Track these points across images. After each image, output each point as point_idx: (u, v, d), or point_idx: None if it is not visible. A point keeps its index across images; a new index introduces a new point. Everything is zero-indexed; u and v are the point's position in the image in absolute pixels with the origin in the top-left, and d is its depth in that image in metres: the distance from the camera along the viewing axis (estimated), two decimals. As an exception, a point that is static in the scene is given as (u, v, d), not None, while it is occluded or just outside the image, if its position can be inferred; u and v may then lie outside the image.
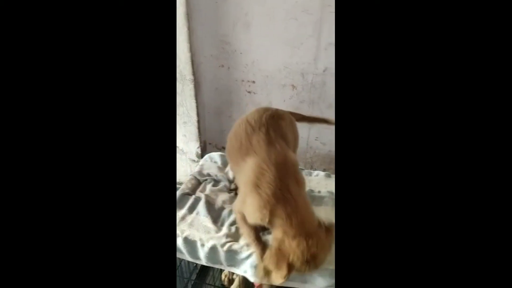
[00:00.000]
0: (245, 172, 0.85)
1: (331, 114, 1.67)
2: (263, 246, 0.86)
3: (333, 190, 1.19)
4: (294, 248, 0.73)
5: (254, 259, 0.91)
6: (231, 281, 1.33)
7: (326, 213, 1.02)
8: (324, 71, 1.58)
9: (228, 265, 0.95)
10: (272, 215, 0.79)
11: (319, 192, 1.16)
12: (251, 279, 0.93)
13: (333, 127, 1.69)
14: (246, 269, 0.92)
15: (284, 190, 0.77)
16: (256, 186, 0.79)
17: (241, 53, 1.67)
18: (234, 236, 0.98)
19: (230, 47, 1.67)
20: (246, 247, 0.95)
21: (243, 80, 1.72)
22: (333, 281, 0.83)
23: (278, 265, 0.74)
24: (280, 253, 0.74)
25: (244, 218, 0.87)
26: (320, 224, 0.78)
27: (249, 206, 0.83)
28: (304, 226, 0.74)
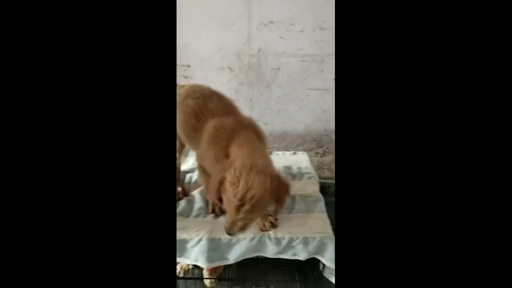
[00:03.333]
0: (204, 132, 0.91)
1: (269, 95, 1.72)
2: None
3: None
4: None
5: (203, 244, 0.91)
6: (186, 272, 1.31)
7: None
8: (258, 51, 1.60)
9: (178, 256, 0.93)
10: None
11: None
12: (203, 265, 0.93)
13: (274, 107, 1.75)
14: (197, 257, 0.92)
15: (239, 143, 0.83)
16: (214, 141, 0.87)
17: (171, 35, 1.57)
18: (183, 226, 0.96)
19: (158, 30, 1.56)
20: (195, 233, 0.94)
21: (177, 64, 1.63)
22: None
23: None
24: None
25: (203, 169, 0.95)
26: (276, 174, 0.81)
27: (206, 160, 0.90)
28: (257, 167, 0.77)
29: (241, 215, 0.75)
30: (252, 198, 0.73)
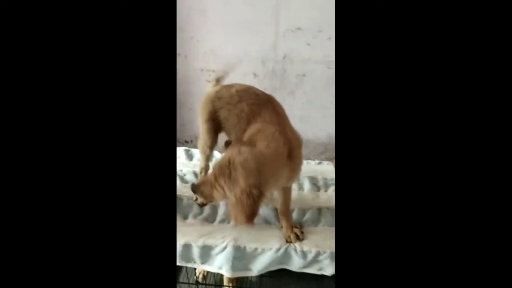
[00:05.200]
0: (248, 131, 0.93)
1: (292, 101, 1.70)
2: None
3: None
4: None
5: (228, 252, 0.90)
6: (205, 277, 1.31)
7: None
8: (284, 58, 1.58)
9: (202, 263, 0.93)
10: None
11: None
12: (227, 274, 0.92)
13: (297, 114, 1.72)
14: (221, 265, 0.91)
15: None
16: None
17: (198, 40, 1.59)
18: (208, 231, 0.96)
19: (185, 35, 1.58)
20: (220, 239, 0.93)
21: (202, 69, 1.64)
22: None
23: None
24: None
25: None
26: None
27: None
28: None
29: (216, 180, 0.76)
30: (229, 173, 0.75)
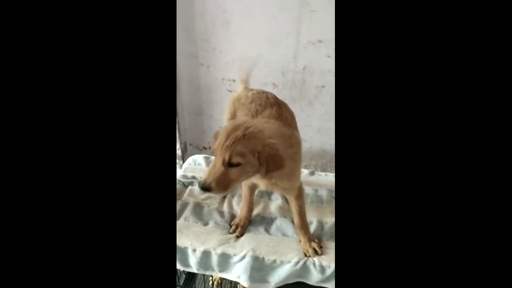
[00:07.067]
0: None
1: (311, 112, 1.70)
2: None
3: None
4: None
5: (247, 262, 0.91)
6: (220, 284, 1.32)
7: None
8: (303, 69, 1.60)
9: (220, 271, 0.94)
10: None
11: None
12: (245, 284, 0.93)
13: (315, 125, 1.73)
14: (239, 274, 0.92)
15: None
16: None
17: (220, 51, 1.63)
18: (228, 240, 0.97)
19: (209, 45, 1.63)
20: (239, 248, 0.94)
21: (223, 79, 1.69)
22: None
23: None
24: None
25: None
26: None
27: None
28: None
29: (229, 147, 0.72)
30: (244, 135, 0.72)
